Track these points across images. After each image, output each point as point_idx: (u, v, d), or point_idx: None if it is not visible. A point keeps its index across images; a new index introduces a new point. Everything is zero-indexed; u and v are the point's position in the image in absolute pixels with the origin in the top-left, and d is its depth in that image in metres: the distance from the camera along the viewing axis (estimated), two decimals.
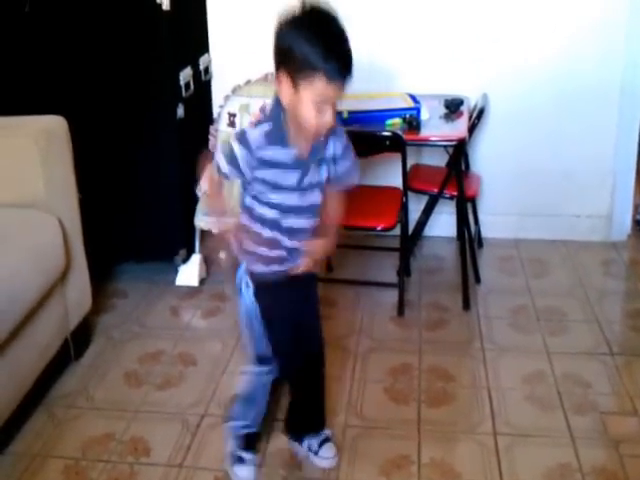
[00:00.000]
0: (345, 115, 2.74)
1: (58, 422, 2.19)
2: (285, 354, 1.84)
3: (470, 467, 1.97)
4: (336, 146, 1.68)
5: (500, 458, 2.00)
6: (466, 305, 2.78)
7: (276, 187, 1.64)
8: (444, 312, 2.77)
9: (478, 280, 2.98)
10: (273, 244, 1.70)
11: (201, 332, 2.71)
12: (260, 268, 1.74)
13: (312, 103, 1.52)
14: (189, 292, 2.95)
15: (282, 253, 1.71)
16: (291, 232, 1.70)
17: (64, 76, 2.81)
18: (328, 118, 1.55)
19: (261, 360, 1.87)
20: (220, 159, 1.65)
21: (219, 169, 1.66)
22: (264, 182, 1.64)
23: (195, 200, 2.97)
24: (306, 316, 1.88)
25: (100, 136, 2.85)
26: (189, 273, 2.99)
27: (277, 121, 1.61)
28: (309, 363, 1.90)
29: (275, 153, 1.61)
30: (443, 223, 3.27)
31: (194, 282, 2.98)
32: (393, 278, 2.90)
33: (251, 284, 1.77)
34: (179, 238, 3.01)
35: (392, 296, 2.80)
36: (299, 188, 1.65)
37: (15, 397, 2.08)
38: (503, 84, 3.14)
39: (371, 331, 2.66)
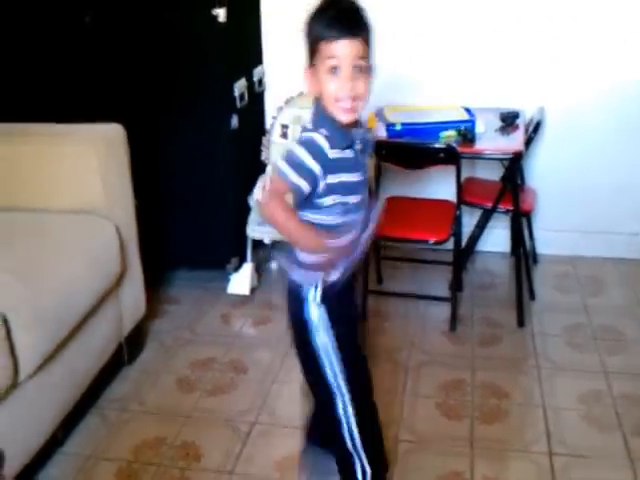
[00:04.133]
0: (398, 127, 2.73)
1: (111, 425, 2.22)
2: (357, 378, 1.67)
3: None
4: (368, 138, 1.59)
5: (555, 478, 1.95)
6: (520, 322, 2.73)
7: (350, 189, 1.53)
8: (497, 328, 2.73)
9: (533, 297, 2.92)
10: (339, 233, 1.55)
11: (251, 340, 2.72)
12: (333, 275, 1.57)
13: (327, 73, 1.45)
14: (240, 300, 2.96)
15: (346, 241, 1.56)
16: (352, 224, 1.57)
17: (123, 85, 2.87)
18: (348, 84, 1.44)
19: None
20: (288, 173, 1.47)
21: (289, 183, 1.48)
22: (340, 186, 1.51)
23: (248, 209, 2.99)
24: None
25: (156, 145, 2.89)
26: (240, 282, 3.00)
27: (327, 122, 1.50)
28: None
29: (341, 154, 1.50)
30: (496, 238, 3.22)
31: (245, 291, 2.99)
32: (445, 292, 2.87)
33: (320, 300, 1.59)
34: (231, 247, 3.03)
35: (444, 311, 2.77)
36: (364, 183, 1.58)
37: (71, 399, 2.11)
38: (560, 97, 3.09)
39: (423, 345, 2.63)
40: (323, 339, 1.61)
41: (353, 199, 1.54)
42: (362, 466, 1.69)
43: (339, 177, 1.50)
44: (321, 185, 1.49)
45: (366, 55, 1.46)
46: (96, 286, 2.21)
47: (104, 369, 2.32)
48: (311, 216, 1.54)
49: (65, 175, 2.37)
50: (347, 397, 1.65)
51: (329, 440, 1.74)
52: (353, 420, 1.66)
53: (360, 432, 1.67)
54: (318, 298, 1.59)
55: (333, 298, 1.60)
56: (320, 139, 1.48)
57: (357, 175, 1.54)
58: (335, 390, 1.65)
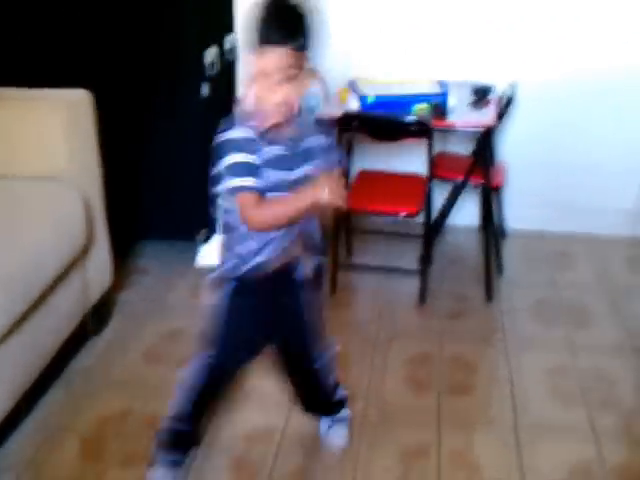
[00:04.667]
0: (371, 99, 2.71)
1: (77, 397, 2.19)
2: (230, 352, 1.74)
3: (490, 460, 1.95)
4: (320, 139, 1.61)
5: (521, 451, 1.97)
6: (489, 296, 2.75)
7: (279, 187, 1.55)
8: (466, 302, 2.74)
9: (501, 272, 2.94)
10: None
11: None
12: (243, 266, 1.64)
13: (257, 74, 1.47)
14: (209, 272, 2.92)
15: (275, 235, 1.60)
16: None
17: (90, 50, 2.78)
18: (273, 90, 1.46)
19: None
20: (241, 183, 1.50)
21: (248, 190, 1.51)
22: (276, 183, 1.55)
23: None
24: (290, 330, 1.78)
25: (124, 111, 2.82)
26: (209, 253, 2.97)
27: (250, 118, 1.53)
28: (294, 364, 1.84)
29: (272, 148, 1.53)
30: (466, 212, 3.23)
31: (214, 262, 2.95)
32: (414, 266, 2.86)
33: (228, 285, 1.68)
34: (200, 218, 2.99)
35: (413, 284, 2.77)
36: (296, 182, 1.57)
37: (35, 369, 2.07)
38: (532, 72, 3.08)
39: (392, 319, 2.63)
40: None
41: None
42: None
43: (275, 173, 1.54)
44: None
45: (296, 64, 1.46)
46: (61, 254, 2.16)
47: (69, 340, 2.28)
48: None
49: (29, 140, 2.31)
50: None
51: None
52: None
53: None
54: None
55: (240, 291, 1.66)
56: (245, 131, 1.52)
57: (288, 173, 1.55)
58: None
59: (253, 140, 1.51)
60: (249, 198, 1.51)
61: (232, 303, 1.68)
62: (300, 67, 1.48)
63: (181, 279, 2.87)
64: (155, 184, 2.96)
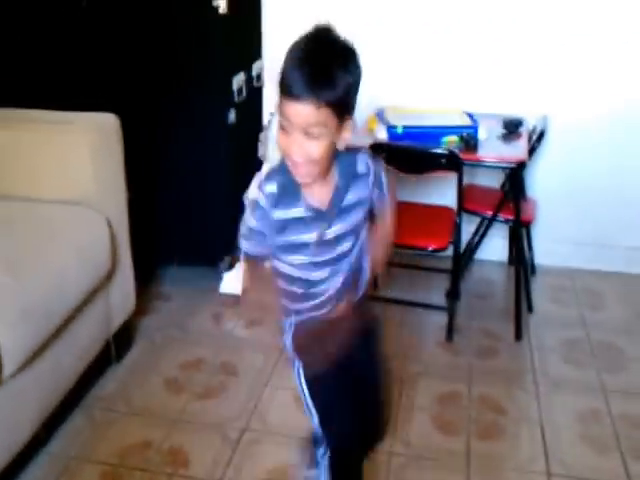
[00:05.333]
0: (400, 130, 2.68)
1: (96, 425, 2.15)
2: (334, 424, 1.56)
3: None
4: (361, 191, 1.41)
5: None
6: (518, 335, 2.68)
7: (296, 249, 1.41)
8: (495, 340, 2.67)
9: (531, 309, 2.87)
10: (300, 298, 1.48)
11: (243, 342, 2.64)
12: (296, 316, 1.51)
13: (280, 125, 1.28)
14: (232, 300, 2.88)
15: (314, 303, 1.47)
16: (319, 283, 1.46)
17: (118, 74, 2.77)
18: (294, 146, 1.27)
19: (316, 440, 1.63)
20: (242, 244, 1.44)
21: (244, 254, 1.44)
22: (286, 245, 1.41)
23: (243, 208, 2.92)
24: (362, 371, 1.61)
25: (151, 137, 2.81)
26: (233, 281, 2.93)
27: (282, 174, 1.35)
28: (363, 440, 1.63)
29: (288, 211, 1.37)
30: (494, 247, 3.18)
31: (237, 290, 2.92)
32: (441, 300, 2.81)
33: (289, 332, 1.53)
34: (225, 244, 2.96)
35: (440, 319, 2.71)
36: (322, 243, 1.41)
37: (55, 397, 2.04)
38: (564, 107, 3.04)
39: (418, 355, 2.57)
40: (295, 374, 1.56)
41: (297, 259, 1.42)
42: None
43: (284, 237, 1.39)
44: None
45: (323, 122, 1.24)
46: (85, 280, 2.13)
47: (91, 367, 2.25)
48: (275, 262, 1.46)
49: (55, 164, 2.29)
50: (324, 442, 1.58)
51: None
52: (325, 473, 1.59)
53: None
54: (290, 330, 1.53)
55: (304, 337, 1.51)
56: (262, 200, 1.36)
57: (307, 236, 1.39)
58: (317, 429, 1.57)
59: (261, 205, 1.36)
60: (244, 261, 1.48)
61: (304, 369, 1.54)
62: (331, 125, 1.25)
63: (203, 307, 2.83)
64: (179, 209, 2.93)
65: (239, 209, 2.84)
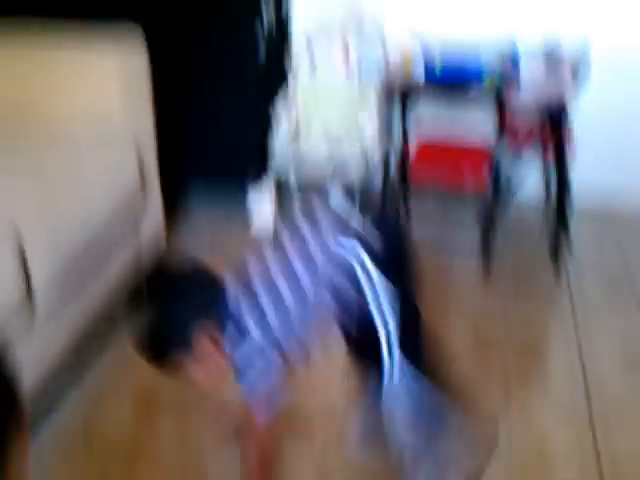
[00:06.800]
0: (438, 71, 2.57)
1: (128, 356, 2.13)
2: None
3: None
4: None
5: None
6: (557, 276, 2.63)
7: None
8: (533, 282, 2.62)
9: (570, 250, 2.78)
10: None
11: None
12: None
13: None
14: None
15: None
16: None
17: None
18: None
19: None
20: None
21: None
22: None
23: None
24: None
25: (178, 51, 2.74)
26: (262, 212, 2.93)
27: None
28: None
29: None
30: (531, 186, 3.05)
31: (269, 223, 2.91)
32: (476, 241, 2.72)
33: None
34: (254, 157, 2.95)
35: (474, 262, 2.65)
36: None
37: (87, 329, 2.06)
38: (606, 35, 2.89)
39: (456, 298, 2.50)
40: None
41: None
42: None
43: None
44: None
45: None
46: (112, 199, 2.16)
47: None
48: None
49: (81, 82, 2.29)
50: None
51: None
52: None
53: None
54: None
55: None
56: None
57: None
58: None
59: None
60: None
61: None
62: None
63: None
64: (208, 124, 2.91)
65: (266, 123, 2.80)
